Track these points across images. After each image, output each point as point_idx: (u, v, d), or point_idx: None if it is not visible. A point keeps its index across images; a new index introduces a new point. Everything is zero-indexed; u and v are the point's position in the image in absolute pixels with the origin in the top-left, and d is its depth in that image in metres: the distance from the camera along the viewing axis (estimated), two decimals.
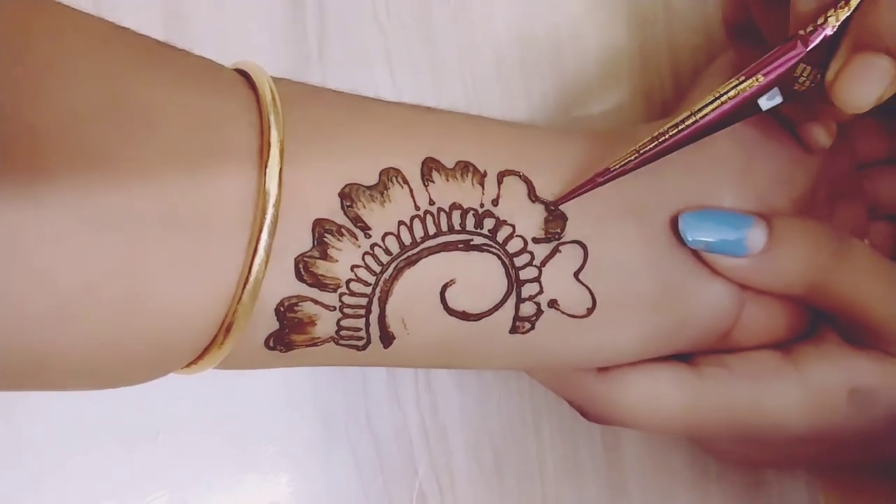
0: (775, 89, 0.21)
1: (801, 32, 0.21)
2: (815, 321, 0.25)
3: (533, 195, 0.22)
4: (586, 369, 0.24)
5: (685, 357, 0.25)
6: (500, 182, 0.21)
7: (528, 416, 0.28)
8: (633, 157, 0.21)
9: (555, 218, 0.22)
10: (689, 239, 0.23)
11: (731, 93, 0.21)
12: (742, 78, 0.21)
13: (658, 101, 0.32)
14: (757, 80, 0.21)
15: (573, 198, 0.21)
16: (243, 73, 0.20)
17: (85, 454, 0.25)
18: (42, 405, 0.25)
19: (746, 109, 0.21)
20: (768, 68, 0.21)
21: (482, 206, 0.21)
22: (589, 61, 0.31)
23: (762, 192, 0.24)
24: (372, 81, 0.28)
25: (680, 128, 0.21)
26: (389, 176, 0.20)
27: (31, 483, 0.25)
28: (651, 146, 0.21)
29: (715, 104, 0.21)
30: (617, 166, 0.21)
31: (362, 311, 0.20)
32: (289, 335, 0.19)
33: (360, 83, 0.28)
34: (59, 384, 0.19)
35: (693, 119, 0.21)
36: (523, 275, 0.21)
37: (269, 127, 0.18)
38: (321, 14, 0.27)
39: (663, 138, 0.21)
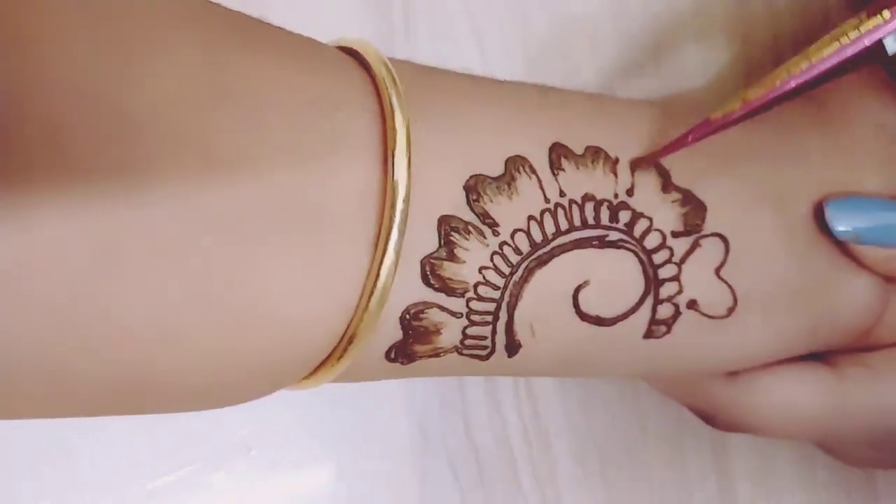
0: None
1: None
2: None
3: (669, 184, 0.19)
4: (712, 374, 0.22)
5: (818, 356, 0.23)
6: (634, 170, 0.19)
7: (633, 418, 0.26)
8: (737, 108, 0.18)
9: (694, 208, 0.19)
10: (838, 229, 0.20)
11: (852, 34, 0.18)
12: (863, 17, 0.18)
13: (759, 74, 0.29)
14: (882, 17, 0.18)
15: (669, 153, 0.19)
16: (350, 52, 0.18)
17: (167, 475, 0.23)
18: None
19: (871, 54, 0.18)
20: None
21: (616, 196, 0.19)
22: (687, 34, 0.28)
23: None
24: (461, 58, 0.25)
25: (793, 72, 0.18)
26: (517, 165, 0.18)
27: None
28: (759, 95, 0.18)
29: (832, 48, 0.18)
30: (720, 117, 0.18)
31: (489, 318, 0.18)
32: (412, 345, 0.17)
33: (448, 61, 0.25)
34: (157, 408, 0.17)
35: (807, 64, 0.18)
36: (662, 273, 0.19)
37: (393, 111, 0.16)
38: None
39: (773, 86, 0.18)
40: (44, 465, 0.22)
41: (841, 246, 0.21)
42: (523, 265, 0.18)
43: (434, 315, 0.17)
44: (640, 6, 0.28)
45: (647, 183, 0.19)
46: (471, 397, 0.25)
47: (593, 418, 0.26)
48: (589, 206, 0.18)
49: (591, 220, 0.18)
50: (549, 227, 0.18)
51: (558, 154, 0.18)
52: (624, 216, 0.19)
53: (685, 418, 0.27)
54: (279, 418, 0.24)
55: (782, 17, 0.29)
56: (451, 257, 0.17)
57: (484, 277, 0.17)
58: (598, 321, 0.19)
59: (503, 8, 0.26)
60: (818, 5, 0.29)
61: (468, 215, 0.17)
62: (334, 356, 0.17)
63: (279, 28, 0.18)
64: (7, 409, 0.16)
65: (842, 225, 0.20)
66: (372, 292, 0.16)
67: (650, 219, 0.19)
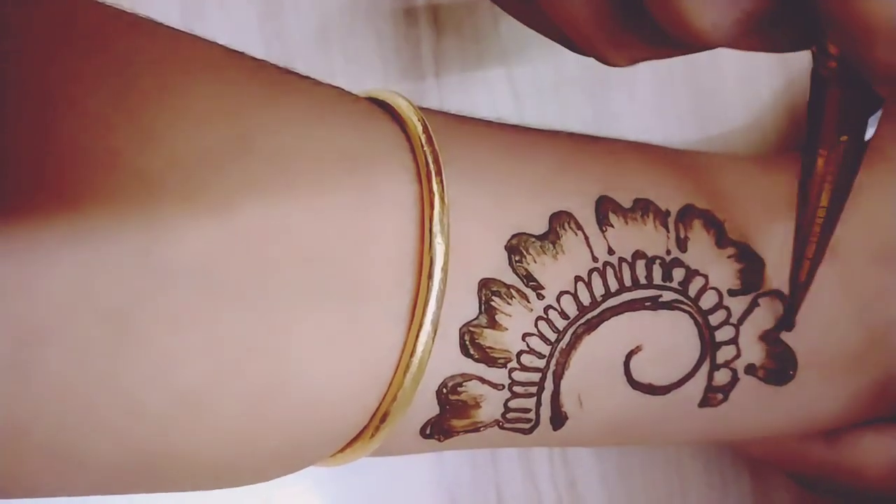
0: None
1: None
2: None
3: (724, 237, 0.18)
4: (811, 437, 0.20)
5: None
6: (686, 223, 0.18)
7: (674, 487, 0.24)
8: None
9: (752, 264, 0.18)
10: None
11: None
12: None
13: (801, 115, 0.28)
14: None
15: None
16: (379, 104, 0.17)
17: None
18: None
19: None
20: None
21: (669, 253, 0.17)
22: (726, 74, 0.27)
23: None
24: (492, 101, 0.24)
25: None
26: (561, 221, 0.16)
27: None
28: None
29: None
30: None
31: (534, 389, 0.16)
32: (449, 421, 0.16)
33: (479, 103, 0.24)
34: (172, 488, 0.15)
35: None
36: (719, 336, 0.18)
37: (429, 170, 0.15)
38: (436, 27, 0.24)
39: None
40: None
41: None
42: (570, 331, 0.16)
43: (474, 388, 0.16)
44: None
45: (701, 237, 0.18)
46: (503, 464, 0.23)
47: (632, 487, 0.24)
48: (640, 264, 0.17)
49: (642, 280, 0.17)
50: (598, 289, 0.17)
51: (605, 208, 0.17)
52: (678, 274, 0.17)
53: (727, 486, 0.26)
54: (299, 480, 0.22)
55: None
56: (493, 324, 0.16)
57: (528, 345, 0.16)
58: (651, 389, 0.17)
59: (535, 49, 0.25)
60: None
61: (510, 278, 0.16)
62: (366, 434, 0.15)
63: (307, 78, 0.17)
64: (13, 487, 0.14)
65: None
66: (407, 367, 0.14)
67: (706, 276, 0.17)
